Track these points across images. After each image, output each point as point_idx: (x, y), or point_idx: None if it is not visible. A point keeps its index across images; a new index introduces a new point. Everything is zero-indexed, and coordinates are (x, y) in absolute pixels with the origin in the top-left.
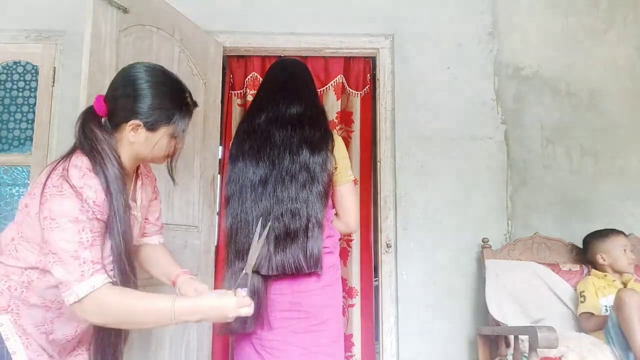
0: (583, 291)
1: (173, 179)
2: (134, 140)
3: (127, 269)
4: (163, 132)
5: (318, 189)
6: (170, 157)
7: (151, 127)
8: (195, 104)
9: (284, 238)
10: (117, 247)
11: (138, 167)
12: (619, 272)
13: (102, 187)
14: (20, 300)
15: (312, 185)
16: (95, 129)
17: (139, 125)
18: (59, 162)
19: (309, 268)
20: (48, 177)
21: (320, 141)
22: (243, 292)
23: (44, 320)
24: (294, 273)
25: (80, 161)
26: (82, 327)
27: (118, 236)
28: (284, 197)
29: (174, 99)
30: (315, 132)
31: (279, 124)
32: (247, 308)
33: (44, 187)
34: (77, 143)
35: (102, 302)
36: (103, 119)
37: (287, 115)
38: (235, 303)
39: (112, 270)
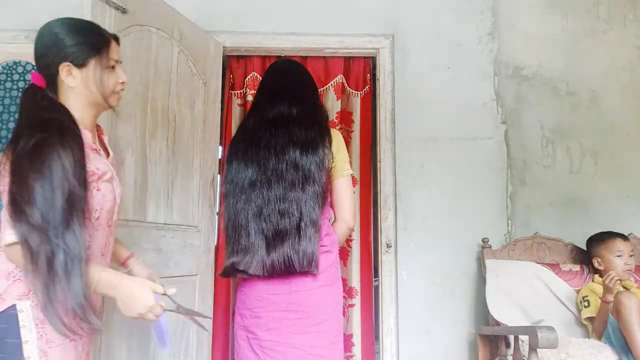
0: (586, 296)
1: (114, 110)
2: (73, 84)
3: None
4: (94, 64)
5: (313, 188)
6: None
7: (81, 63)
8: (116, 37)
9: (273, 238)
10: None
11: (98, 128)
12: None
13: None
14: None
15: (305, 184)
16: (30, 98)
17: (70, 66)
18: None
19: (301, 267)
20: None
21: (315, 139)
22: (160, 289)
23: None
24: (284, 271)
25: None
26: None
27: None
28: (271, 197)
29: (90, 33)
30: (306, 131)
31: (265, 125)
32: (155, 289)
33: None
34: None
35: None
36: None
37: (271, 116)
38: (143, 283)
39: None
